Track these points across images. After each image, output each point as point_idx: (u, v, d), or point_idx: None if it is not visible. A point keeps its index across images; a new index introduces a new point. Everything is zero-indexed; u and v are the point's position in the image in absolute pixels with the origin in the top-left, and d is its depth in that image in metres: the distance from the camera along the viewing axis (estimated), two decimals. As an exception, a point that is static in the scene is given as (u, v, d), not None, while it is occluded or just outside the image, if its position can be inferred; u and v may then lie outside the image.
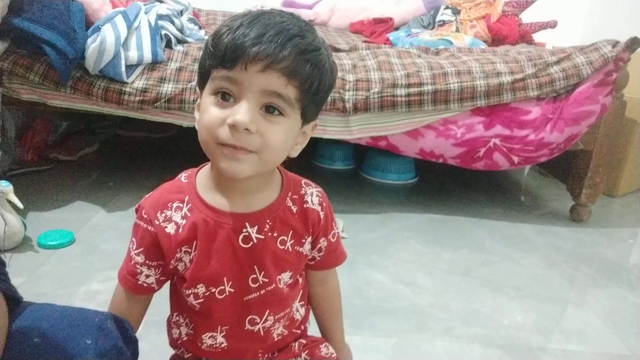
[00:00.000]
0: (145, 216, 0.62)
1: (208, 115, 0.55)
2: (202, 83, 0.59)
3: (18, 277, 1.10)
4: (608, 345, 1.06)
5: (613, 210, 1.92)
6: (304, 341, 0.75)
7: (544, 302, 1.20)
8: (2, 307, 0.55)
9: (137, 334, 0.68)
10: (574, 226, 1.69)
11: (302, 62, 0.54)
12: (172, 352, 0.74)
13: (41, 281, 1.12)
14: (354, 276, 1.23)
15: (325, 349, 0.75)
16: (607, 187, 1.92)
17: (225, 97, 0.55)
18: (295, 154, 0.61)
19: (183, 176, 0.66)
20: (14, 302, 0.58)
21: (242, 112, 0.53)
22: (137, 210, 0.64)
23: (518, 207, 1.85)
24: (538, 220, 1.71)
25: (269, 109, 0.55)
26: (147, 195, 0.65)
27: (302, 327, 0.75)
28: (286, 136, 0.57)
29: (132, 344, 0.64)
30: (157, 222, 0.62)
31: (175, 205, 0.62)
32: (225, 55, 0.53)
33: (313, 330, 0.79)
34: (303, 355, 0.73)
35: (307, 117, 0.59)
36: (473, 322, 1.09)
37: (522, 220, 1.70)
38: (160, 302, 0.72)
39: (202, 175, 0.65)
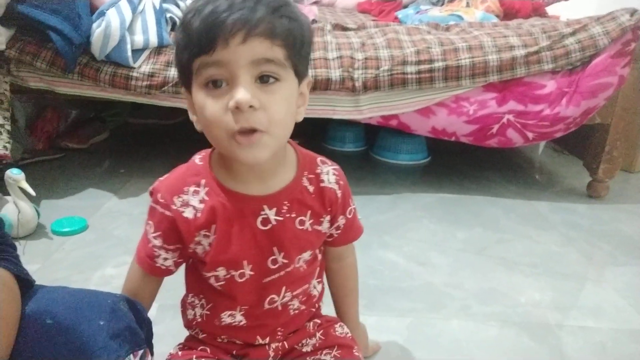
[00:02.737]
0: (162, 200, 0.62)
1: (208, 109, 0.53)
2: (186, 81, 0.57)
3: (33, 264, 1.11)
4: (628, 321, 1.04)
5: (631, 186, 1.88)
6: (318, 321, 0.75)
7: (561, 279, 1.18)
8: (15, 289, 0.55)
9: (152, 317, 0.68)
10: (591, 203, 1.66)
11: (278, 19, 0.52)
12: (185, 335, 0.74)
13: (56, 267, 1.13)
14: (368, 257, 1.22)
15: (340, 329, 0.75)
16: (624, 162, 1.88)
17: (216, 84, 0.52)
18: (300, 117, 0.60)
19: (197, 158, 0.65)
20: (27, 284, 0.58)
21: (240, 91, 0.51)
22: (152, 193, 0.64)
23: (533, 184, 1.82)
24: (554, 198, 1.68)
25: (264, 79, 0.53)
26: (161, 178, 0.64)
27: (317, 305, 0.75)
28: (288, 102, 0.55)
29: (145, 325, 0.64)
30: (175, 207, 0.61)
31: (192, 189, 0.61)
32: (200, 39, 0.51)
33: (327, 310, 0.79)
34: (318, 334, 0.73)
35: (300, 73, 0.57)
36: (489, 301, 1.08)
37: (537, 197, 1.67)
38: (175, 287, 0.72)
39: (217, 156, 0.63)
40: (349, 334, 0.75)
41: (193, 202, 0.61)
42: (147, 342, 0.63)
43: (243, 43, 0.50)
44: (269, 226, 0.62)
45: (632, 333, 1.00)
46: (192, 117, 0.59)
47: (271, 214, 0.62)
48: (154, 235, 0.63)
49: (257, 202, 0.61)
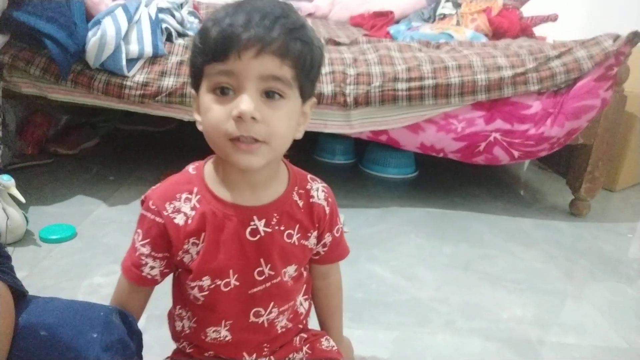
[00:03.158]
0: (153, 207, 0.62)
1: (212, 113, 0.55)
2: (196, 83, 0.59)
3: (21, 271, 1.08)
4: (606, 338, 1.07)
5: (612, 205, 1.93)
6: (304, 335, 0.75)
7: (543, 295, 1.21)
8: (9, 300, 0.55)
9: (141, 327, 0.68)
10: (573, 220, 1.70)
11: (291, 40, 0.54)
12: (173, 345, 0.74)
13: (44, 275, 1.12)
14: (355, 270, 1.24)
15: (326, 342, 0.76)
16: (606, 181, 1.92)
17: (224, 91, 0.55)
18: (299, 135, 0.62)
19: (191, 168, 0.66)
20: (20, 295, 0.58)
21: (245, 101, 0.53)
22: (143, 202, 0.64)
23: (517, 201, 1.86)
24: (537, 215, 1.71)
25: (269, 94, 0.55)
26: (154, 187, 0.65)
27: (304, 321, 0.76)
28: (289, 119, 0.58)
29: (136, 337, 0.65)
30: (166, 213, 0.62)
31: (184, 196, 0.62)
32: (216, 48, 0.53)
33: (313, 323, 0.80)
34: (304, 349, 0.74)
35: (305, 94, 0.59)
36: (473, 316, 1.10)
37: (521, 214, 1.70)
38: (162, 296, 0.72)
39: (210, 167, 0.65)
40: (335, 348, 0.76)
41: (184, 209, 0.62)
42: (137, 353, 0.64)
43: (255, 58, 0.53)
44: (258, 237, 0.63)
45: (610, 350, 1.03)
46: (197, 117, 0.61)
47: (260, 224, 0.63)
48: (141, 243, 0.63)
49: (248, 212, 0.62)
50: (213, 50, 0.53)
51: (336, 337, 0.80)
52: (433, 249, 1.40)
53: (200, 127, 0.60)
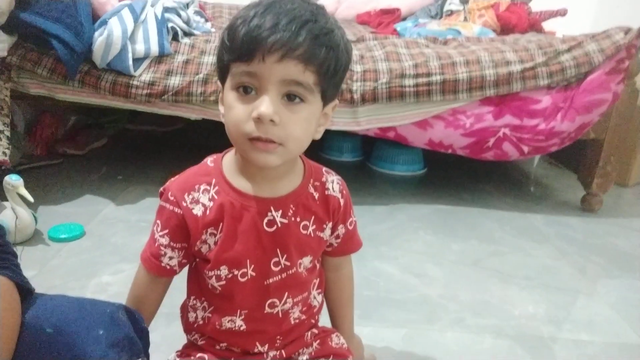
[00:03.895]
0: (172, 198, 0.64)
1: (234, 111, 0.56)
2: (222, 77, 0.60)
3: (29, 270, 1.10)
4: (620, 335, 1.05)
5: (624, 200, 1.90)
6: (316, 331, 0.76)
7: (555, 292, 1.19)
8: (16, 298, 0.55)
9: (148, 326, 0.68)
10: (585, 216, 1.67)
11: (317, 46, 0.54)
12: (181, 343, 0.74)
13: (52, 274, 1.13)
14: (363, 267, 1.23)
15: (336, 339, 0.76)
16: (618, 176, 1.90)
17: (246, 90, 0.56)
18: (318, 135, 0.63)
19: (209, 160, 0.68)
20: (26, 292, 0.58)
21: (265, 104, 0.54)
22: (161, 194, 0.66)
23: (528, 197, 1.84)
24: (548, 211, 1.69)
25: (290, 97, 0.56)
26: (172, 179, 0.67)
27: (317, 316, 0.76)
28: (308, 123, 0.58)
29: (143, 334, 0.64)
30: (185, 204, 0.63)
31: (202, 187, 0.64)
32: (242, 48, 0.54)
33: (323, 321, 0.80)
34: (314, 344, 0.74)
35: (327, 98, 0.60)
36: (483, 313, 1.09)
37: (532, 210, 1.68)
38: (171, 294, 0.72)
39: (228, 160, 0.66)
40: (345, 345, 0.76)
41: (203, 200, 0.63)
42: (143, 351, 0.63)
43: (279, 62, 0.53)
44: (274, 228, 0.64)
45: (624, 347, 1.01)
46: (221, 108, 0.62)
47: (277, 216, 0.64)
48: (161, 233, 0.65)
49: (265, 203, 0.63)
50: (239, 50, 0.54)
51: (347, 332, 0.81)
52: (442, 245, 1.39)
53: (223, 120, 0.61)
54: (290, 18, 0.53)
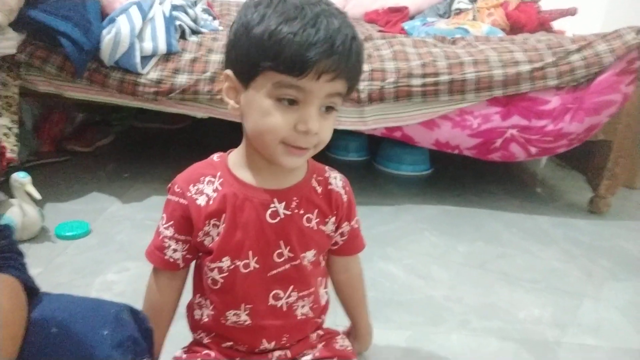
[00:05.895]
0: (178, 190, 0.66)
1: (272, 120, 0.57)
2: (247, 76, 0.58)
3: (36, 268, 1.11)
4: (627, 339, 1.04)
5: (632, 203, 1.88)
6: (321, 332, 0.77)
7: (561, 295, 1.18)
8: (22, 297, 0.55)
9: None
10: (592, 218, 1.66)
11: (358, 64, 0.59)
12: (187, 342, 0.75)
13: (58, 271, 1.13)
14: (368, 268, 1.21)
15: (341, 341, 0.77)
16: (626, 178, 1.88)
17: (292, 102, 0.57)
18: None
19: (215, 156, 0.69)
20: (32, 292, 0.58)
21: (313, 119, 0.57)
22: (169, 188, 0.67)
23: (535, 199, 1.83)
24: (555, 213, 1.68)
25: (328, 109, 0.59)
26: (180, 174, 0.68)
27: (323, 316, 0.77)
28: (333, 126, 0.62)
29: (147, 335, 0.64)
30: (189, 194, 0.65)
31: (207, 179, 0.66)
32: (294, 64, 0.54)
33: (329, 322, 0.80)
34: (319, 346, 0.75)
35: (345, 98, 0.63)
36: (489, 316, 1.08)
37: (539, 212, 1.67)
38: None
39: (234, 155, 0.68)
40: (350, 347, 0.77)
41: (207, 191, 0.65)
42: (148, 351, 0.64)
43: (330, 81, 0.56)
44: (277, 219, 0.65)
45: (631, 352, 1.00)
46: (228, 101, 0.62)
47: (280, 207, 0.65)
48: (165, 225, 0.66)
49: (268, 194, 0.65)
50: (289, 64, 0.54)
51: (365, 329, 0.85)
52: (448, 247, 1.38)
53: (234, 113, 0.62)
54: (342, 39, 0.55)
